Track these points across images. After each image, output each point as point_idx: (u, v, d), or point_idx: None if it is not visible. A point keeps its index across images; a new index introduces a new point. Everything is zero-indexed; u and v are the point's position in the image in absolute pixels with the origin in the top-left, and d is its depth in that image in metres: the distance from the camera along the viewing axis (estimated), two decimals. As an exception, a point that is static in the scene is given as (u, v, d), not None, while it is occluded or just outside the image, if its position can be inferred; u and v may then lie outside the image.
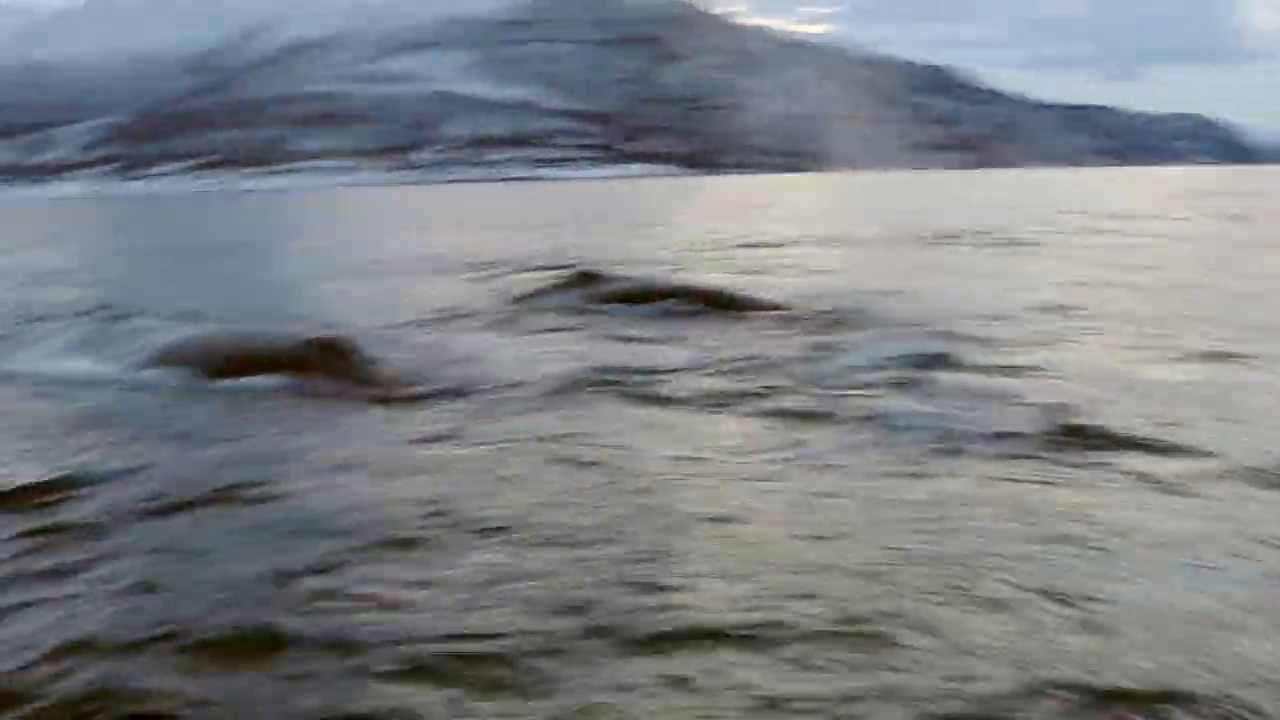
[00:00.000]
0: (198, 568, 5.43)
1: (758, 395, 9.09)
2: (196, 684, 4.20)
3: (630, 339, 12.67)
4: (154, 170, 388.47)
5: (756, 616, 4.66)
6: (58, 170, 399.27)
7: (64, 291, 21.37)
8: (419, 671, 4.25)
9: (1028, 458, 7.20)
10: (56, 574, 5.39)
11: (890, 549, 5.41)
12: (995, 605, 4.77)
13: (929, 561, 5.24)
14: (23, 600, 5.04)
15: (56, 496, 6.67)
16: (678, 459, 7.20)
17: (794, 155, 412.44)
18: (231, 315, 14.66)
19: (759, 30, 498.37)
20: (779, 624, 4.58)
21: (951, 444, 7.40)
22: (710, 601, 4.79)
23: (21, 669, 4.36)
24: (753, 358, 10.87)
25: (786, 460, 7.16)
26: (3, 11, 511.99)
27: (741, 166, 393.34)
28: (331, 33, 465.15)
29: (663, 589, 4.93)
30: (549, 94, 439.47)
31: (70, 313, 16.29)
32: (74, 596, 5.06)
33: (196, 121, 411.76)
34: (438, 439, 7.93)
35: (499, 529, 5.81)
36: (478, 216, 60.89)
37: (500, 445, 7.60)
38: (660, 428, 8.16)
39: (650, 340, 12.46)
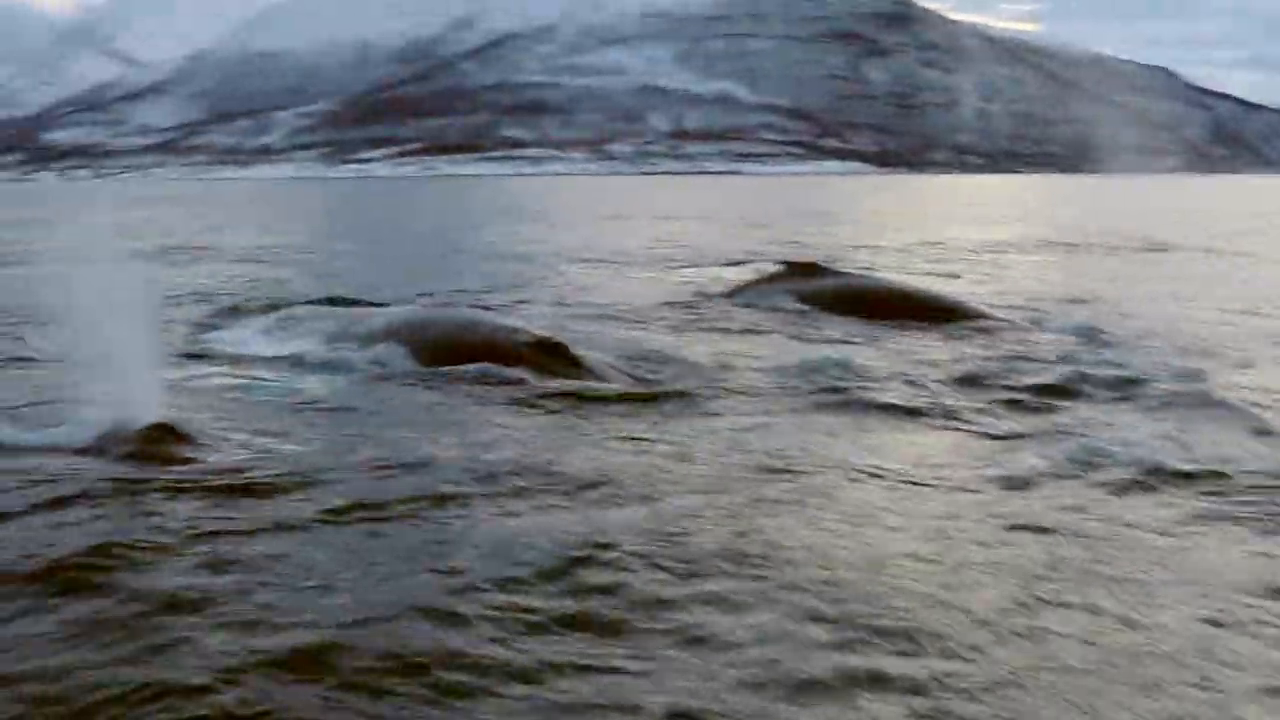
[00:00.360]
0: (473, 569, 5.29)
1: (962, 409, 8.83)
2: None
3: (835, 341, 12.32)
4: (362, 155, 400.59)
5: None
6: (272, 154, 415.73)
7: (283, 271, 21.96)
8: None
9: (1243, 501, 6.53)
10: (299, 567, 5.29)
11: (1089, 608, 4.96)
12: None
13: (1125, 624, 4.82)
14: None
15: (292, 487, 6.52)
16: (898, 492, 6.80)
17: (1001, 156, 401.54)
18: (442, 299, 14.60)
19: (968, 27, 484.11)
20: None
21: (1156, 479, 6.90)
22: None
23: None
24: (958, 368, 10.59)
25: (985, 482, 6.89)
26: (227, 2, 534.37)
27: (945, 166, 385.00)
28: (540, 25, 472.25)
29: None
30: (751, 88, 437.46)
31: (289, 293, 16.77)
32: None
33: (405, 108, 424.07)
34: (652, 442, 7.81)
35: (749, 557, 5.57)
36: (677, 208, 60.42)
37: (722, 457, 7.42)
38: (882, 448, 7.78)
39: (856, 344, 12.10)
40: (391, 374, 10.19)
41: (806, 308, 14.75)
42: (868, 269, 21.01)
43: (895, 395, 9.25)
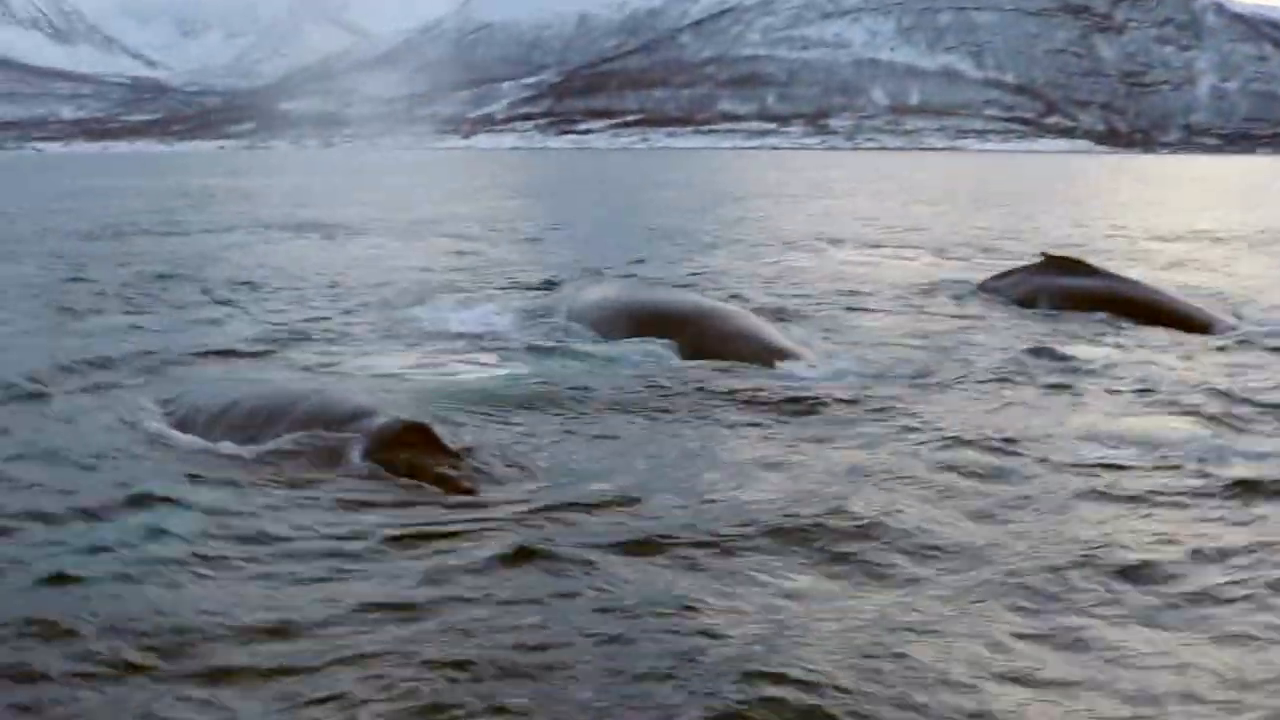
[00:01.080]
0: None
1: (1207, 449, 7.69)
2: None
3: (1069, 338, 11.72)
4: (581, 126, 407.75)
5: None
6: (494, 124, 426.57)
7: (501, 249, 22.63)
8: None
9: None
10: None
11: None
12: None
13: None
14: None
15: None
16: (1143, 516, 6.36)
17: (1237, 137, 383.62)
18: (672, 280, 14.52)
19: (1208, 2, 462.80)
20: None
21: None
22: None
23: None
24: (1205, 388, 9.52)
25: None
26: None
27: (1177, 147, 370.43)
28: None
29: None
30: (975, 63, 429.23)
31: (505, 273, 17.21)
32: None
33: (624, 80, 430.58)
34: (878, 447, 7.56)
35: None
36: (898, 186, 59.22)
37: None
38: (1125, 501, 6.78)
39: (1091, 344, 11.48)
40: (638, 368, 9.83)
41: (1075, 310, 13.42)
42: (1127, 263, 19.61)
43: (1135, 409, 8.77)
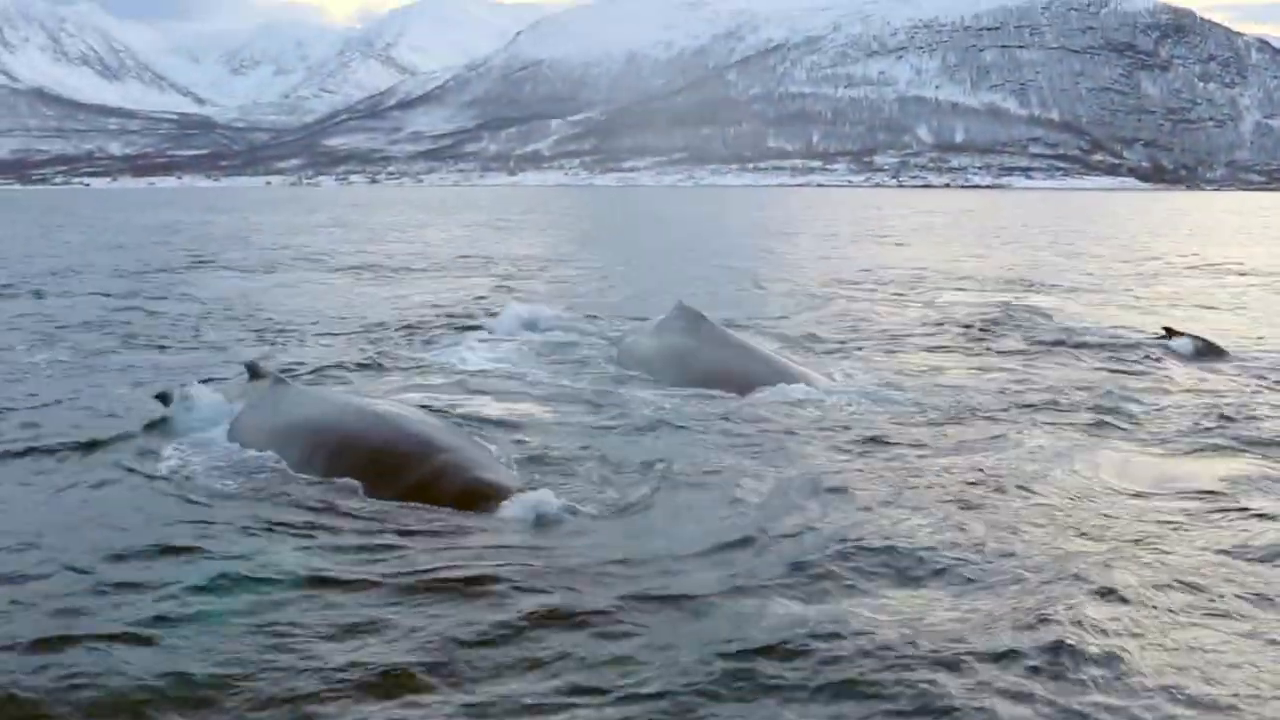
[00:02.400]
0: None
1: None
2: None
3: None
4: (627, 164, 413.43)
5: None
6: (540, 161, 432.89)
7: (547, 284, 22.91)
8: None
9: None
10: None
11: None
12: None
13: None
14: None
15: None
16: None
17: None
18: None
19: (1252, 39, 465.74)
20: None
21: None
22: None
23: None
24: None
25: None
26: (500, 14, 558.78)
27: (1221, 184, 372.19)
28: (808, 35, 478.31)
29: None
30: (1020, 101, 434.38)
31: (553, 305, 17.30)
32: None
33: (671, 118, 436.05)
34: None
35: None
36: (950, 228, 58.09)
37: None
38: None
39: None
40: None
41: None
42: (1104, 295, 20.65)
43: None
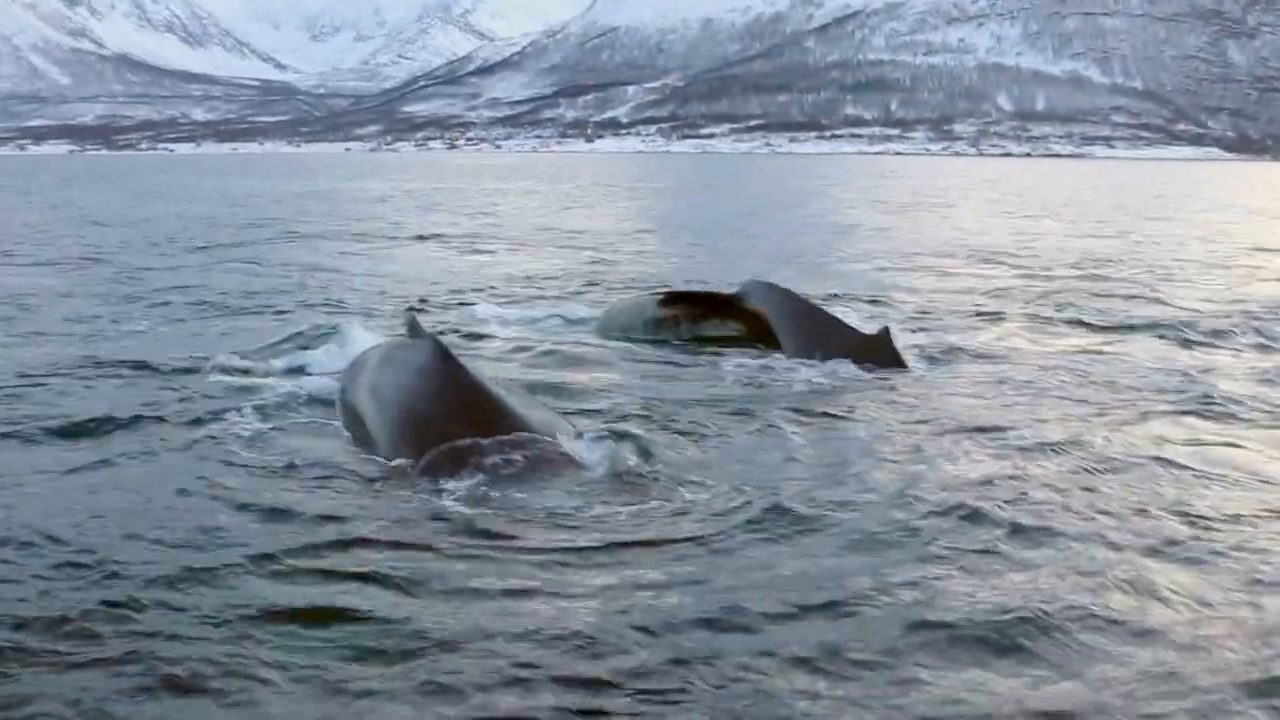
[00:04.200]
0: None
1: None
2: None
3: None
4: (704, 131, 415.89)
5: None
6: (617, 128, 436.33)
7: (629, 255, 22.15)
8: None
9: None
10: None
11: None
12: None
13: None
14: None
15: None
16: None
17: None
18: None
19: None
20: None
21: None
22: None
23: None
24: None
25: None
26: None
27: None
28: (886, 1, 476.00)
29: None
30: (1102, 69, 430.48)
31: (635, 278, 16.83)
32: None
33: (748, 85, 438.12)
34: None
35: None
36: (1029, 197, 56.58)
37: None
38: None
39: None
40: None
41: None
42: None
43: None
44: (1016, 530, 5.68)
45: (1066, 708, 3.92)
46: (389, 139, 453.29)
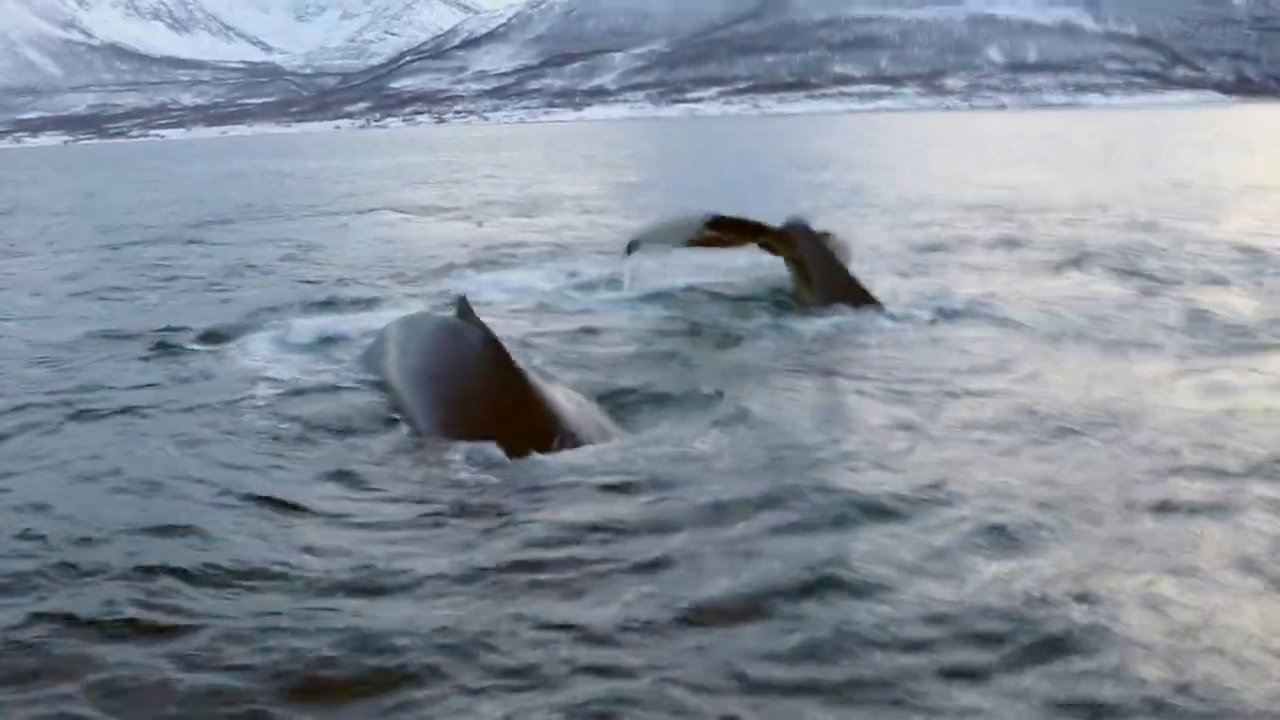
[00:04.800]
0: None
1: None
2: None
3: None
4: (691, 95, 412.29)
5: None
6: (605, 95, 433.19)
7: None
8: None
9: None
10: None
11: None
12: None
13: None
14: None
15: None
16: None
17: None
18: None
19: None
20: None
21: None
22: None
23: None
24: None
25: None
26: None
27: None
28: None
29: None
30: (1094, 16, 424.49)
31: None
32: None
33: (735, 47, 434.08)
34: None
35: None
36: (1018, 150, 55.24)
37: None
38: None
39: None
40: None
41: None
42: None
43: None
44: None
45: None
46: (378, 116, 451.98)
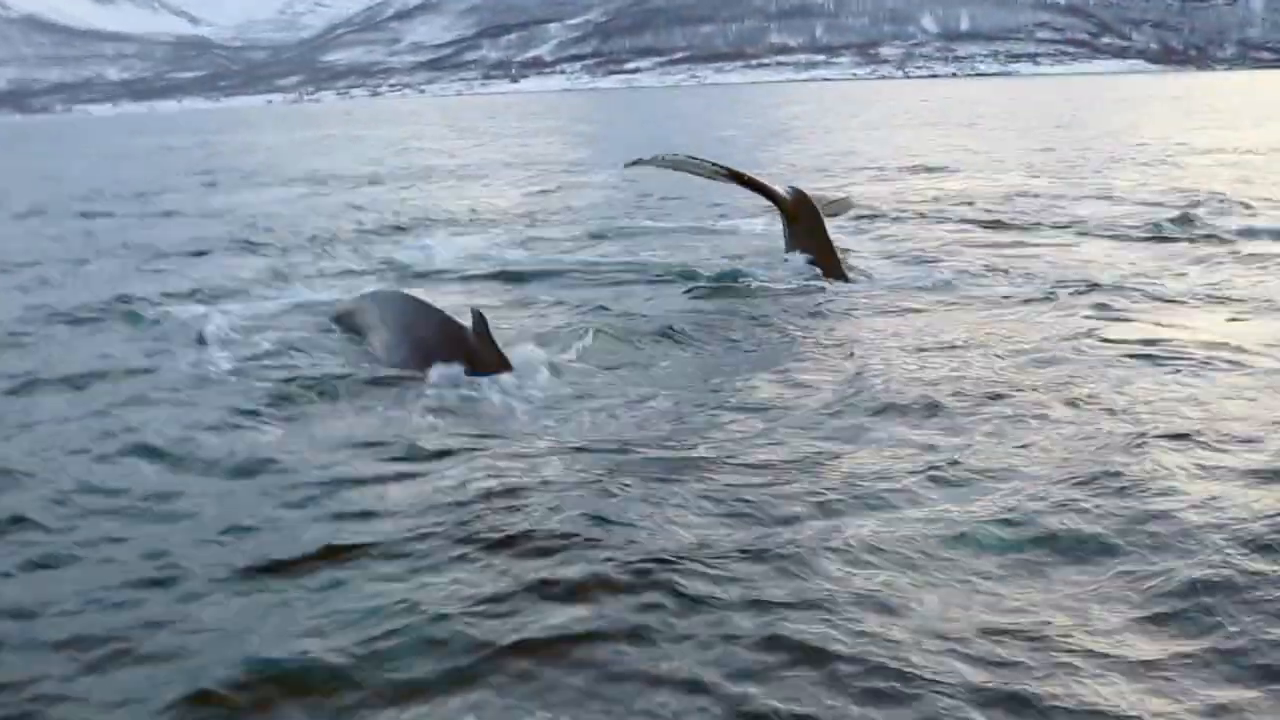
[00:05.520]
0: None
1: None
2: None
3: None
4: (629, 65, 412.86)
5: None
6: (541, 67, 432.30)
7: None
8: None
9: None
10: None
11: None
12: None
13: None
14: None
15: None
16: None
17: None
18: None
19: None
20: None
21: None
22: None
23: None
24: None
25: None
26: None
27: (1233, 63, 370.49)
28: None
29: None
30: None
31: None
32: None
33: (671, 17, 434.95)
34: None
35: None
36: (954, 114, 57.65)
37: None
38: None
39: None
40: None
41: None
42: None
43: None
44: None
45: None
46: (311, 89, 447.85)
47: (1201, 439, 5.85)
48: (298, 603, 4.30)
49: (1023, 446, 5.89)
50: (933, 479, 5.44)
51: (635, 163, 12.59)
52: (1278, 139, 30.38)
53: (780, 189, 12.48)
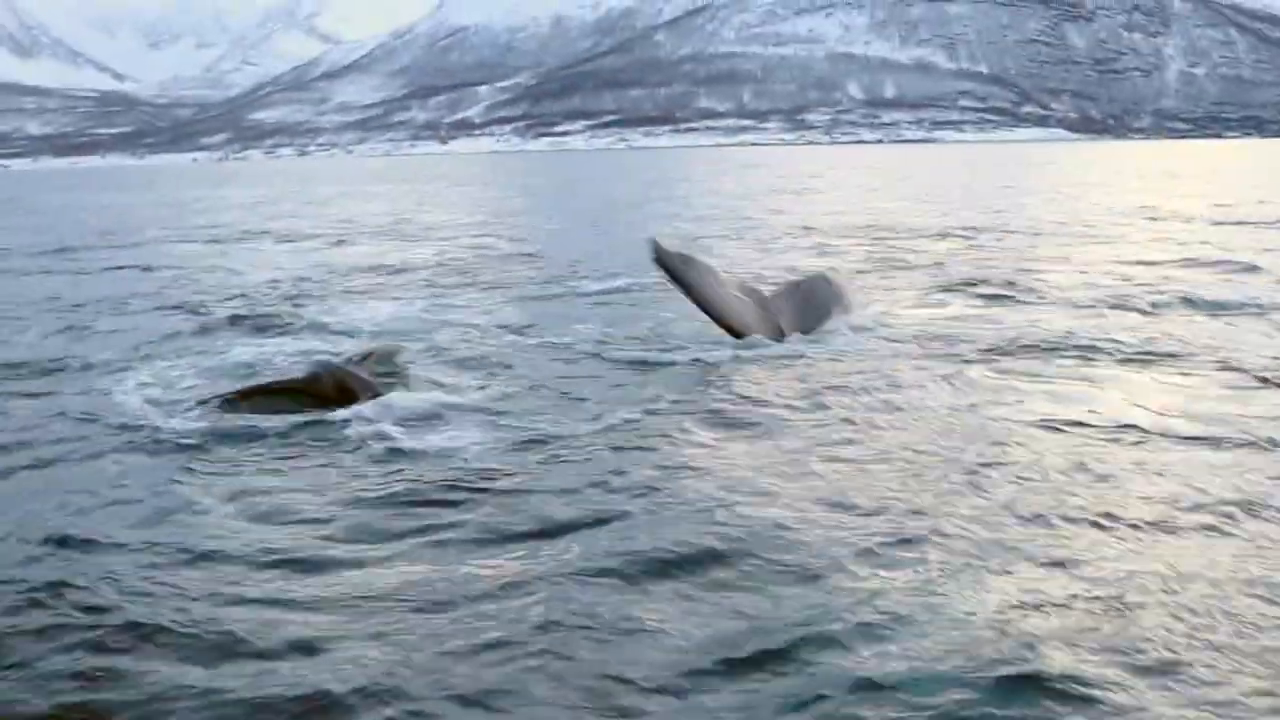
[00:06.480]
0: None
1: None
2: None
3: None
4: (558, 128, 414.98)
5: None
6: (471, 129, 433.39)
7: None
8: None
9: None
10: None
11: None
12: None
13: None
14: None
15: None
16: None
17: (1206, 121, 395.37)
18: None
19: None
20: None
21: None
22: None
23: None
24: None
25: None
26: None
27: (1148, 133, 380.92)
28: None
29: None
30: (948, 55, 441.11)
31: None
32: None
33: (600, 81, 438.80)
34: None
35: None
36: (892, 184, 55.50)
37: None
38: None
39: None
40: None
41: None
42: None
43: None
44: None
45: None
46: (237, 147, 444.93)
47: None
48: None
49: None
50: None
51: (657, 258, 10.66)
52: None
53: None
